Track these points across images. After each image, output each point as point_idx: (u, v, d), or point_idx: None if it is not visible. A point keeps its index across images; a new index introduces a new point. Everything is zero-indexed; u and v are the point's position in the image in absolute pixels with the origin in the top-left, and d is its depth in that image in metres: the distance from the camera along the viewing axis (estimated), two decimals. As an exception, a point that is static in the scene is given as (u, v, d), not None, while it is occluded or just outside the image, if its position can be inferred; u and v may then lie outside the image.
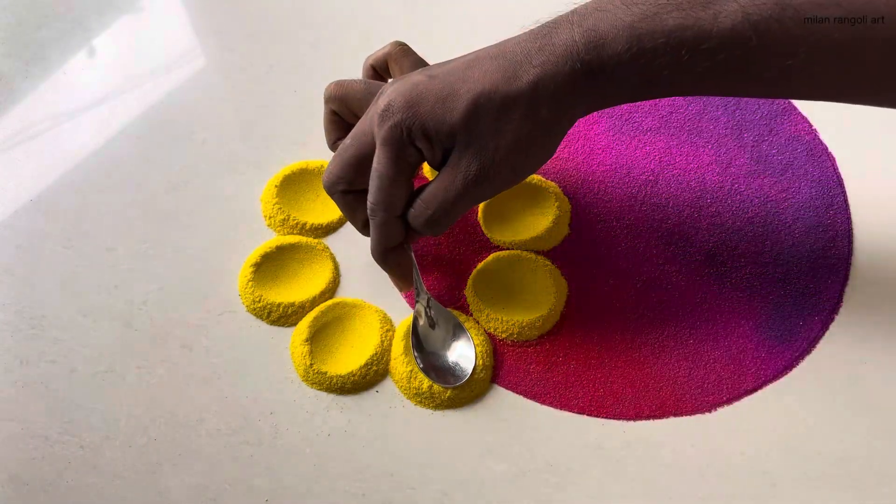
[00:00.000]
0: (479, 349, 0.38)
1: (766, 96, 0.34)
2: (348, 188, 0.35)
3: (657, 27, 0.29)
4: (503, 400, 0.37)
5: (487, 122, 0.31)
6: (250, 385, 0.37)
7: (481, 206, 0.42)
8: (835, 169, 0.44)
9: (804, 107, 0.46)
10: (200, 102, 0.47)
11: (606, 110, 0.46)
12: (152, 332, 0.39)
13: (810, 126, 0.45)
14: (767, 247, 0.41)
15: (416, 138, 0.32)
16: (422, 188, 0.34)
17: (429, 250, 0.41)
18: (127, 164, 0.45)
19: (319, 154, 0.44)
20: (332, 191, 0.35)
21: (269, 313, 0.39)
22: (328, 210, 0.42)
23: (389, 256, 0.36)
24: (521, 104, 0.31)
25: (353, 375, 0.37)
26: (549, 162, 0.44)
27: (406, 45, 0.38)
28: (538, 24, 0.32)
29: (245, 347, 0.38)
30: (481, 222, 0.42)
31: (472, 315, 0.39)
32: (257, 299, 0.39)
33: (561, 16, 0.31)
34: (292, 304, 0.39)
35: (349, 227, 0.42)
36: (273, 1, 0.52)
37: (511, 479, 0.35)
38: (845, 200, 0.43)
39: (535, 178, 0.42)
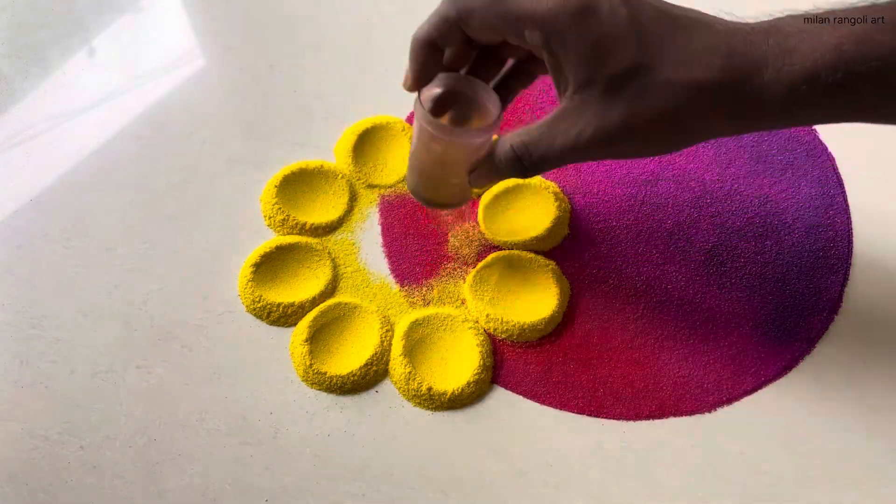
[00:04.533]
0: (479, 349, 0.38)
1: None
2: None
3: (867, 51, 0.26)
4: (503, 400, 0.37)
5: (635, 91, 0.28)
6: (250, 385, 0.37)
7: (481, 206, 0.42)
8: (835, 169, 0.44)
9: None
10: (200, 102, 0.47)
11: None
12: (152, 332, 0.39)
13: (810, 126, 0.45)
14: (767, 247, 0.41)
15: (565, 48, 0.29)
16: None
17: (429, 249, 0.41)
18: (127, 164, 0.45)
19: (319, 154, 0.44)
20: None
21: (269, 313, 0.39)
22: (328, 210, 0.42)
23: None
24: (683, 95, 0.28)
25: (353, 375, 0.37)
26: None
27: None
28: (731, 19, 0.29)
29: (245, 347, 0.38)
30: (481, 222, 0.42)
31: (472, 315, 0.39)
32: (257, 299, 0.39)
33: (758, 26, 0.28)
34: (292, 304, 0.39)
35: (349, 227, 0.42)
36: (273, 1, 0.52)
37: (511, 479, 0.35)
38: (845, 200, 0.43)
39: (535, 178, 0.42)
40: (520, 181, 0.42)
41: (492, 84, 0.35)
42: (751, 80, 0.27)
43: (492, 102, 0.34)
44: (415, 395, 0.37)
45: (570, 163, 0.31)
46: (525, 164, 0.32)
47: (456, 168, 0.35)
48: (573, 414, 0.37)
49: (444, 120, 0.35)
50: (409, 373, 0.37)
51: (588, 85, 0.29)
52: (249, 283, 0.39)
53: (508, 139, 0.32)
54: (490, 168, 0.34)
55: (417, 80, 0.33)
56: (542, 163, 0.31)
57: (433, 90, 0.34)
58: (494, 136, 0.34)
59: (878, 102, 0.27)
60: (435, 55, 0.32)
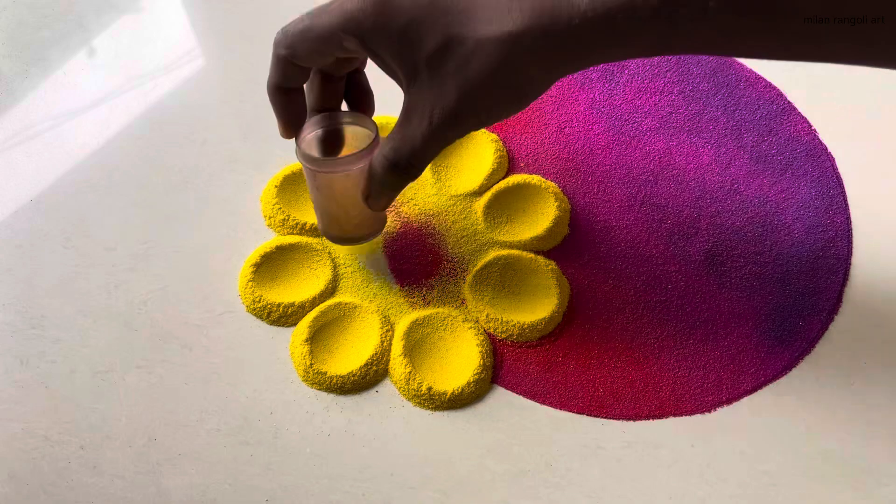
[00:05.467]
0: (479, 349, 0.38)
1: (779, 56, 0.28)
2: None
3: None
4: (503, 400, 0.37)
5: (456, 64, 0.28)
6: (250, 385, 0.37)
7: (481, 206, 0.42)
8: (834, 169, 0.44)
9: (804, 107, 0.46)
10: (200, 102, 0.47)
11: (606, 110, 0.46)
12: (152, 332, 0.39)
13: (810, 126, 0.45)
14: (767, 247, 0.41)
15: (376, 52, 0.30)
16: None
17: (428, 249, 0.41)
18: (127, 164, 0.45)
19: (319, 154, 0.44)
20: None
21: (269, 313, 0.39)
22: (328, 210, 0.42)
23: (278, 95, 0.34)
24: (499, 53, 0.28)
25: (353, 375, 0.37)
26: (549, 162, 0.44)
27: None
28: None
29: (245, 347, 0.38)
30: (481, 222, 0.42)
31: (472, 315, 0.39)
32: (257, 299, 0.39)
33: None
34: (292, 304, 0.39)
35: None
36: (273, 1, 0.52)
37: (511, 479, 0.35)
38: (845, 200, 0.43)
39: (535, 178, 0.42)
40: (519, 181, 0.42)
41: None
42: (566, 14, 0.26)
43: (369, 126, 0.35)
44: (415, 395, 0.37)
45: (444, 147, 0.32)
46: (401, 166, 0.32)
47: (351, 199, 0.36)
48: (573, 414, 0.37)
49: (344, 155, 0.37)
50: (409, 373, 0.37)
51: (415, 73, 0.29)
52: (249, 283, 0.39)
53: (379, 152, 0.33)
54: (375, 184, 0.34)
55: (286, 126, 0.35)
56: (414, 159, 0.32)
57: (311, 133, 0.36)
58: None
59: (700, 31, 0.26)
60: (292, 98, 0.34)
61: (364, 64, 0.36)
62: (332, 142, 0.36)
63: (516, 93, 0.30)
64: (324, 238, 0.41)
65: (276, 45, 0.32)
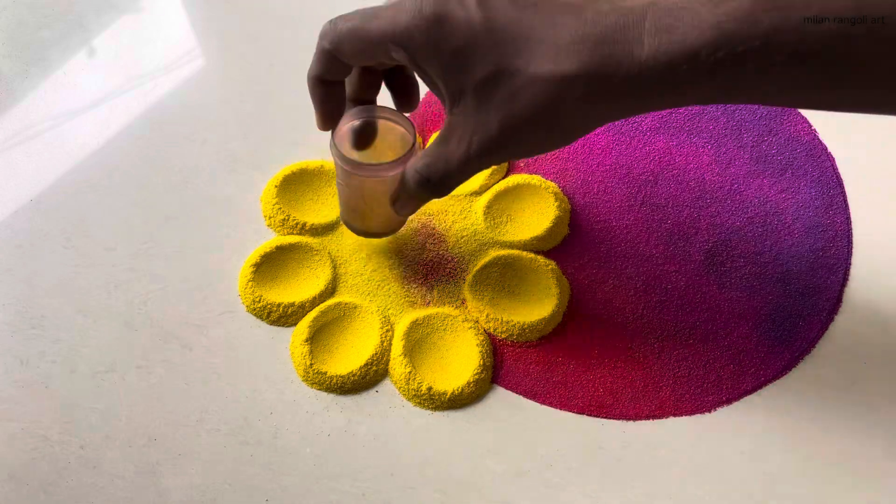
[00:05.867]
0: (479, 349, 0.38)
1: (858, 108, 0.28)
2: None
3: (749, 29, 0.24)
4: (503, 400, 0.37)
5: (503, 95, 0.28)
6: (250, 385, 0.37)
7: (482, 206, 0.42)
8: (834, 169, 0.44)
9: (804, 107, 0.46)
10: (200, 102, 0.47)
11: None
12: (152, 332, 0.39)
13: (810, 126, 0.45)
14: (767, 247, 0.41)
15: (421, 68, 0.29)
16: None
17: (429, 249, 0.41)
18: (127, 164, 0.45)
19: (319, 154, 0.44)
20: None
21: (269, 313, 0.39)
22: (328, 210, 0.42)
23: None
24: (549, 92, 0.27)
25: (353, 375, 0.37)
26: (549, 162, 0.44)
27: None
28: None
29: (245, 347, 0.38)
30: (481, 222, 0.42)
31: (472, 315, 0.39)
32: (257, 299, 0.39)
33: (636, 6, 0.27)
34: (292, 304, 0.39)
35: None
36: (273, 1, 0.52)
37: (511, 479, 0.35)
38: (845, 200, 0.43)
39: (535, 178, 0.42)
40: (519, 181, 0.42)
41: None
42: (626, 64, 0.26)
43: (406, 127, 0.35)
44: (415, 395, 0.37)
45: (476, 172, 0.31)
46: (433, 184, 0.32)
47: (378, 199, 0.36)
48: (573, 414, 0.37)
49: (373, 150, 0.36)
50: (409, 373, 0.37)
51: (461, 96, 0.29)
52: (249, 283, 0.39)
53: (414, 163, 0.32)
54: (405, 194, 0.34)
55: (323, 118, 0.34)
56: (447, 180, 0.32)
57: (347, 125, 0.35)
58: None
59: (762, 84, 0.26)
60: (332, 90, 0.33)
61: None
62: (365, 135, 0.36)
63: (560, 133, 0.29)
64: (343, 227, 0.41)
65: (322, 36, 0.31)
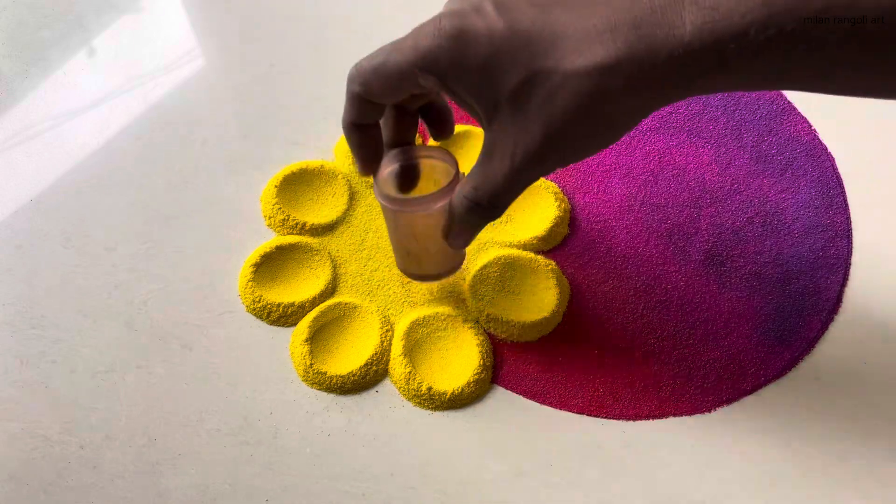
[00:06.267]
0: (479, 349, 0.38)
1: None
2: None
3: (802, 4, 0.23)
4: (503, 400, 0.37)
5: (540, 100, 0.26)
6: (250, 385, 0.37)
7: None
8: (834, 169, 0.44)
9: (804, 107, 0.46)
10: (200, 102, 0.47)
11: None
12: (152, 332, 0.39)
13: (810, 126, 0.45)
14: (767, 247, 0.41)
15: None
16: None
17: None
18: (127, 164, 0.45)
19: (319, 154, 0.44)
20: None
21: (269, 313, 0.39)
22: (328, 210, 0.42)
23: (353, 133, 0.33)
24: (588, 87, 0.25)
25: (353, 375, 0.37)
26: (549, 162, 0.44)
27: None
28: None
29: (245, 347, 0.38)
30: (481, 222, 0.42)
31: (472, 315, 0.39)
32: (257, 299, 0.39)
33: None
34: (292, 304, 0.39)
35: (349, 227, 0.42)
36: (273, 1, 0.52)
37: (511, 479, 0.35)
38: (845, 200, 0.43)
39: (535, 178, 0.42)
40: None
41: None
42: (668, 46, 0.24)
43: (448, 161, 0.34)
44: (415, 395, 0.37)
45: (526, 186, 0.30)
46: (483, 206, 0.30)
47: (431, 237, 0.35)
48: (573, 414, 0.37)
49: (419, 191, 0.35)
50: (409, 373, 0.37)
51: (496, 110, 0.28)
52: (249, 283, 0.39)
53: (460, 191, 0.31)
54: (456, 223, 0.32)
55: (363, 163, 0.33)
56: (496, 199, 0.30)
57: (387, 169, 0.34)
58: None
59: (815, 64, 0.24)
60: (368, 134, 0.33)
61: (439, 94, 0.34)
62: (409, 176, 0.35)
63: (606, 129, 0.27)
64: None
65: (350, 81, 0.30)
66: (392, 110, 0.33)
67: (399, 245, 0.37)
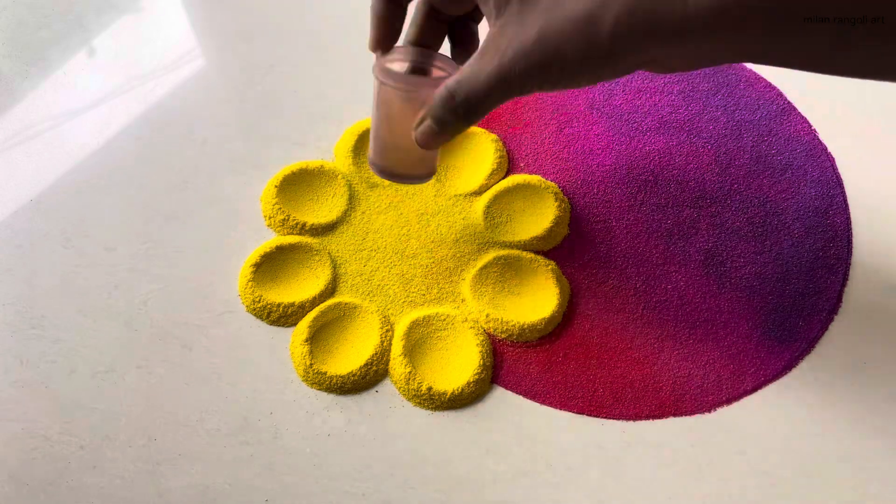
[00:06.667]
0: (479, 349, 0.38)
1: None
2: None
3: None
4: (503, 400, 0.37)
5: (548, 2, 0.26)
6: (250, 385, 0.37)
7: (482, 206, 0.42)
8: (834, 169, 0.44)
9: (804, 107, 0.46)
10: (200, 102, 0.47)
11: (605, 110, 0.46)
12: (152, 332, 0.39)
13: (809, 126, 0.45)
14: (767, 247, 0.41)
15: None
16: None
17: (428, 249, 0.41)
18: (127, 164, 0.45)
19: (319, 154, 0.44)
20: None
21: (269, 313, 0.39)
22: (328, 210, 0.42)
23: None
24: (590, 3, 0.25)
25: (353, 375, 0.37)
26: (549, 162, 0.44)
27: None
28: None
29: (245, 347, 0.38)
30: (481, 222, 0.42)
31: (472, 315, 0.39)
32: (257, 299, 0.39)
33: None
34: (292, 304, 0.39)
35: (349, 227, 0.42)
36: (273, 1, 0.52)
37: (511, 479, 0.35)
38: (845, 200, 0.43)
39: (535, 178, 0.42)
40: (519, 181, 0.42)
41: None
42: None
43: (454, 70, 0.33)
44: (415, 395, 0.37)
45: (500, 98, 0.29)
46: (458, 102, 0.30)
47: (404, 126, 0.33)
48: (573, 414, 0.37)
49: None
50: (409, 373, 0.37)
51: (506, 5, 0.28)
52: (249, 283, 0.39)
53: (444, 83, 0.31)
54: (428, 114, 0.31)
55: (376, 39, 0.33)
56: (473, 97, 0.29)
57: (395, 62, 0.34)
58: None
59: (821, 37, 0.23)
60: (393, 11, 0.32)
61: (479, 18, 0.34)
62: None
63: (597, 57, 0.26)
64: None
65: None
66: (425, 8, 0.33)
67: (374, 130, 0.36)
